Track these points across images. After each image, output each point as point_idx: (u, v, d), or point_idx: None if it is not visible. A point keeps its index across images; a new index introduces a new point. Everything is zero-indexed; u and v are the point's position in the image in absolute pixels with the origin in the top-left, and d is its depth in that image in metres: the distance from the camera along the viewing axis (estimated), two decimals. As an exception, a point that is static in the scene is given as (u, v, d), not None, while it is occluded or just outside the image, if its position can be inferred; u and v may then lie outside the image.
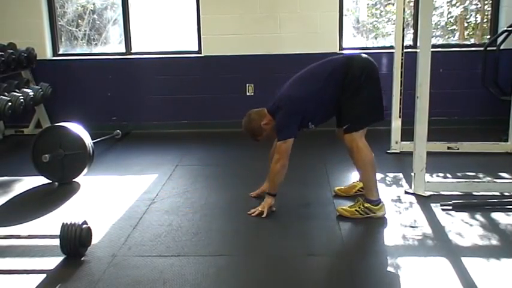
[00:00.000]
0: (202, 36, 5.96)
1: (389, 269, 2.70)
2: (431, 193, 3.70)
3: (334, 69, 3.30)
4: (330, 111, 3.39)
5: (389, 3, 6.34)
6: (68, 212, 3.58)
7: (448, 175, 4.21)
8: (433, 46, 3.64)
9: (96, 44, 6.47)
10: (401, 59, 4.71)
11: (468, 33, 6.49)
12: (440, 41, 6.28)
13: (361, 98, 3.26)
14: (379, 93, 3.33)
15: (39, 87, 5.68)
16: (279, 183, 3.41)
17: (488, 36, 5.92)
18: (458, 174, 4.20)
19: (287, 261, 2.84)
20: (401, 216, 3.37)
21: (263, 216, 3.37)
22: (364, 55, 3.41)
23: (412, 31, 5.90)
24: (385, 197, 3.59)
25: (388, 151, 4.85)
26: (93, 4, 6.40)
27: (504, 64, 5.61)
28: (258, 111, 3.49)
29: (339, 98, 3.29)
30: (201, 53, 6.01)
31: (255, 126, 3.45)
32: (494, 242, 2.99)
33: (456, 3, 6.35)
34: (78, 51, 6.38)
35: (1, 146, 5.71)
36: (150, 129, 6.11)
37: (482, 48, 5.63)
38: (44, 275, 2.71)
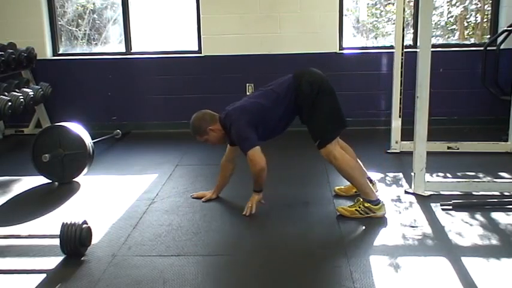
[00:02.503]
0: (202, 36, 5.97)
1: (389, 268, 2.70)
2: (431, 193, 3.70)
3: (283, 91, 3.36)
4: (278, 131, 3.48)
5: (389, 3, 6.35)
6: (68, 212, 3.58)
7: (448, 175, 4.21)
8: (433, 46, 3.64)
9: (96, 43, 6.47)
10: (401, 59, 4.71)
11: (468, 33, 6.49)
12: (440, 41, 6.28)
13: (321, 113, 3.31)
14: (336, 103, 3.38)
15: (39, 87, 5.68)
16: (263, 182, 3.45)
17: (488, 36, 5.92)
18: (458, 174, 4.20)
19: (287, 261, 2.83)
20: (401, 216, 3.37)
21: (253, 211, 3.41)
22: (313, 69, 3.45)
23: (412, 31, 5.90)
24: (385, 196, 3.60)
25: (388, 151, 4.85)
26: (93, 4, 6.41)
27: (504, 64, 5.61)
28: (212, 115, 3.55)
29: (301, 116, 3.37)
30: (201, 53, 6.01)
31: (203, 125, 3.51)
32: (494, 242, 2.99)
33: (456, 2, 6.35)
34: (78, 51, 6.39)
35: (1, 146, 5.72)
36: (150, 129, 6.11)
37: (482, 48, 5.64)
38: (44, 275, 2.71)
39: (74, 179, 4.24)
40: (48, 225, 3.35)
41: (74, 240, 2.80)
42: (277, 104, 3.35)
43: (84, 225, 2.88)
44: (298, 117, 3.43)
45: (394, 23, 5.14)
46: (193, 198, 3.78)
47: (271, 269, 2.75)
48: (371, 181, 3.73)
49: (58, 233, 2.81)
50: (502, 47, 5.57)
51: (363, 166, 3.70)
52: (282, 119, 3.42)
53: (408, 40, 5.64)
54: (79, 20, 6.42)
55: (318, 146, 3.34)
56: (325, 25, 5.84)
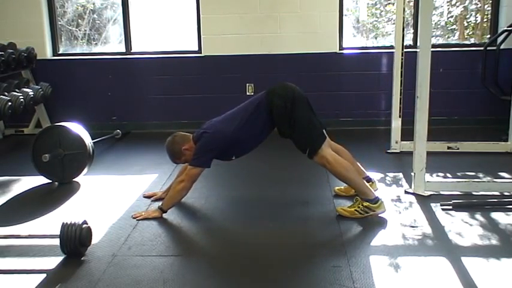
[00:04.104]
0: (202, 36, 5.97)
1: (389, 268, 2.70)
2: (431, 193, 3.70)
3: (257, 106, 3.39)
4: (254, 144, 3.49)
5: (389, 3, 6.35)
6: (68, 212, 3.58)
7: (448, 175, 4.21)
8: (433, 46, 3.64)
9: (96, 43, 6.47)
10: (401, 59, 4.71)
11: (468, 33, 6.49)
12: (440, 41, 6.28)
13: (301, 124, 3.32)
14: (311, 109, 3.40)
15: (39, 87, 5.68)
16: (174, 203, 3.47)
17: (488, 36, 5.92)
18: (458, 174, 4.20)
19: (287, 261, 2.83)
20: (401, 216, 3.37)
21: (137, 218, 3.39)
22: (283, 83, 3.49)
23: (412, 31, 5.90)
24: (385, 196, 3.59)
25: (388, 151, 4.85)
26: (93, 4, 6.41)
27: (504, 64, 5.61)
28: (183, 136, 3.57)
29: (265, 131, 3.41)
30: (201, 53, 6.01)
31: (176, 148, 3.53)
32: (494, 241, 2.99)
33: (456, 2, 6.35)
34: (78, 50, 6.39)
35: (1, 146, 5.71)
36: (150, 129, 6.11)
37: (482, 48, 5.64)
38: (44, 275, 2.71)
39: (74, 179, 4.23)
40: (48, 225, 3.35)
41: (74, 240, 2.80)
42: (252, 121, 3.37)
43: (84, 225, 2.88)
44: (277, 131, 3.43)
45: (394, 23, 5.14)
46: (144, 197, 3.79)
47: (271, 269, 2.75)
48: (370, 180, 3.73)
49: (58, 233, 2.81)
50: (502, 47, 5.57)
51: (360, 166, 3.70)
52: (261, 134, 3.44)
53: (408, 40, 5.65)
54: (79, 20, 6.42)
55: (308, 155, 3.34)
56: (325, 25, 5.84)
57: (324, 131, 3.41)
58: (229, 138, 3.38)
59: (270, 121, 3.39)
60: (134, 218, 3.41)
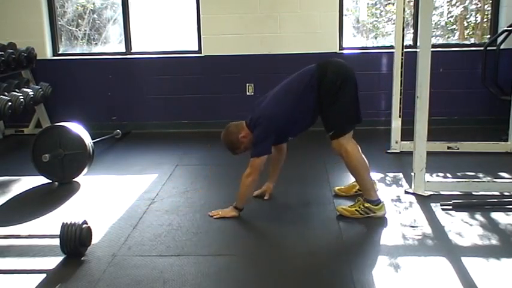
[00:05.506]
0: (202, 36, 5.97)
1: (389, 269, 2.70)
2: (431, 193, 3.70)
3: (308, 80, 3.30)
4: (309, 122, 3.42)
5: (389, 3, 6.34)
6: (68, 212, 3.58)
7: (448, 175, 4.21)
8: (433, 46, 3.64)
9: (96, 43, 6.47)
10: (401, 59, 4.71)
11: (468, 33, 6.49)
12: (440, 41, 6.28)
13: (341, 103, 3.26)
14: (356, 94, 3.33)
15: (39, 87, 5.68)
16: (247, 198, 3.44)
17: (488, 36, 5.92)
18: (458, 174, 4.20)
19: (287, 260, 2.83)
20: (401, 216, 3.37)
21: (214, 217, 3.39)
22: (338, 60, 3.42)
23: (412, 31, 5.90)
24: (385, 196, 3.59)
25: (388, 151, 4.85)
26: (93, 4, 6.41)
27: (504, 64, 5.61)
28: (236, 124, 3.51)
29: (318, 106, 3.30)
30: (201, 53, 6.01)
31: (233, 139, 3.46)
32: (494, 242, 2.99)
33: (456, 2, 6.35)
34: (78, 50, 6.39)
35: (1, 146, 5.72)
36: (150, 129, 6.11)
37: (482, 48, 5.63)
38: (44, 275, 2.71)
39: (74, 179, 4.24)
40: (48, 225, 3.35)
41: (74, 240, 2.80)
42: (302, 98, 3.29)
43: (84, 225, 2.88)
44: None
45: (394, 23, 5.14)
46: (253, 197, 3.68)
47: (271, 269, 2.75)
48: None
49: (58, 233, 2.81)
50: (502, 47, 5.56)
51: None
52: (314, 110, 3.33)
53: (408, 40, 5.64)
54: (79, 20, 6.42)
55: (331, 136, 3.29)
56: (325, 25, 5.83)
57: (356, 123, 3.35)
58: (285, 120, 3.31)
59: (318, 97, 3.28)
60: (211, 216, 3.40)
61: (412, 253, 2.88)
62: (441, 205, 3.49)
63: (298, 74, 3.41)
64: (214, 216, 3.40)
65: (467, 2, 6.34)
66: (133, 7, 6.07)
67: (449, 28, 6.47)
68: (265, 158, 3.34)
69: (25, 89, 5.42)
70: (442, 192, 3.72)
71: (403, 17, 4.72)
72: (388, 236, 3.11)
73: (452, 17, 6.40)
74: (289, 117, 3.32)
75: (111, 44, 6.42)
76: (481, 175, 4.16)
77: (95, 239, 2.99)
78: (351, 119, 3.33)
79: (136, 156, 5.09)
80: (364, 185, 3.37)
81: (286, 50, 5.87)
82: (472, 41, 6.37)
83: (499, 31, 5.65)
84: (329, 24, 5.84)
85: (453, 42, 6.29)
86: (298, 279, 2.64)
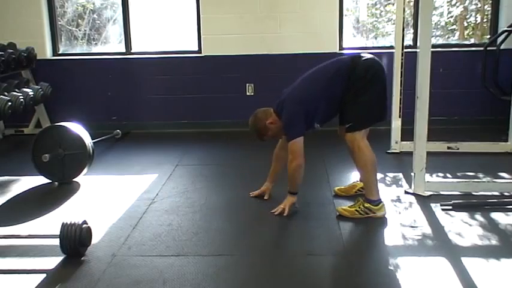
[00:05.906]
0: (202, 36, 5.97)
1: (389, 269, 2.70)
2: (431, 193, 3.70)
3: (338, 69, 3.32)
4: (334, 110, 3.40)
5: (389, 3, 6.34)
6: (68, 212, 3.58)
7: (448, 175, 4.21)
8: (433, 46, 3.63)
9: (96, 43, 6.47)
10: (401, 59, 4.71)
11: (468, 33, 6.49)
12: (440, 41, 6.28)
13: (366, 98, 3.26)
14: (384, 93, 3.34)
15: (39, 87, 5.68)
16: (299, 182, 3.41)
17: (488, 36, 5.92)
18: (458, 174, 4.20)
19: (287, 260, 2.83)
20: (401, 216, 3.37)
21: (284, 214, 3.37)
22: (370, 55, 3.40)
23: (412, 31, 5.90)
24: (385, 197, 3.59)
25: (388, 151, 4.85)
26: (93, 4, 6.40)
27: (504, 64, 5.61)
28: (264, 111, 3.50)
29: (343, 96, 3.30)
30: (201, 53, 6.01)
31: (260, 125, 3.46)
32: (494, 242, 2.99)
33: (456, 2, 6.35)
34: (78, 50, 6.39)
35: (1, 146, 5.71)
36: (150, 129, 6.11)
37: (482, 48, 5.63)
38: (44, 275, 2.71)
39: (74, 179, 4.23)
40: (48, 225, 3.35)
41: (74, 240, 2.80)
42: (332, 81, 3.29)
43: (84, 225, 2.88)
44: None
45: (394, 23, 5.14)
46: (252, 197, 3.71)
47: (271, 269, 2.75)
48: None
49: (58, 233, 2.81)
50: (502, 47, 5.56)
51: None
52: (335, 99, 3.33)
53: (408, 40, 5.64)
54: (79, 20, 6.41)
55: (347, 129, 3.30)
56: (325, 25, 5.83)
57: (377, 121, 3.35)
58: (312, 105, 3.30)
59: (346, 88, 3.27)
60: (275, 213, 3.37)
61: (412, 253, 2.88)
62: (441, 205, 3.49)
63: (330, 62, 3.43)
64: (278, 212, 3.38)
65: (467, 2, 6.34)
66: (133, 7, 6.07)
67: (449, 28, 6.47)
68: (302, 140, 3.30)
69: (25, 89, 5.42)
70: (442, 193, 3.72)
71: (403, 17, 4.72)
72: (388, 236, 3.11)
73: (452, 17, 6.40)
74: (316, 103, 3.32)
75: (111, 44, 6.42)
76: (481, 175, 4.16)
77: (94, 239, 2.99)
78: (372, 116, 3.34)
79: (136, 156, 5.09)
80: (368, 184, 3.37)
81: (286, 50, 5.87)
82: (472, 41, 6.37)
83: (499, 31, 5.65)
84: (329, 24, 5.84)
85: (453, 42, 6.29)
86: (298, 279, 2.64)
